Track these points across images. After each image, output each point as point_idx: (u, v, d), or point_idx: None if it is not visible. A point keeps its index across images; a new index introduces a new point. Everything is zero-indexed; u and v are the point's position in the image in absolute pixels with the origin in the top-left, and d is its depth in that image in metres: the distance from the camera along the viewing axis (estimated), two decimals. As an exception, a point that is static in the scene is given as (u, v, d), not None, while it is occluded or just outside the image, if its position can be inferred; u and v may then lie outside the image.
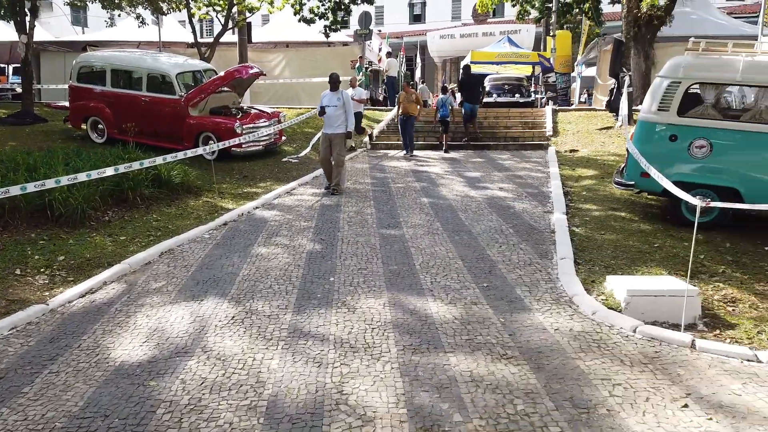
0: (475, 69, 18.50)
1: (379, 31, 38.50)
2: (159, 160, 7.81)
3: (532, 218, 7.76)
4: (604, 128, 14.27)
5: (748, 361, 3.97)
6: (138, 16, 18.69)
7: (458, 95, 16.40)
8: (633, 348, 4.14)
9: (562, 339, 4.28)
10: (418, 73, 35.33)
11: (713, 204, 4.58)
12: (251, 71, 12.40)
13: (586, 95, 22.48)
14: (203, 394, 3.58)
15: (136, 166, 7.37)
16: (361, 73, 17.95)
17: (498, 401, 3.43)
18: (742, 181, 6.77)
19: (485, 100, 18.38)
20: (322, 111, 9.45)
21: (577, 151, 12.74)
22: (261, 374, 3.81)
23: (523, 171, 11.21)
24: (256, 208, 8.56)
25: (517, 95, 19.06)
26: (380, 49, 23.46)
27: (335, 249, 6.55)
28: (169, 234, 7.14)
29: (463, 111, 14.25)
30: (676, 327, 4.48)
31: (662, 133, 7.12)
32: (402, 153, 13.33)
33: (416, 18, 41.97)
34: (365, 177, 10.84)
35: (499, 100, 18.82)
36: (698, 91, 7.06)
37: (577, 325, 4.53)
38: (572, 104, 20.15)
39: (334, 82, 9.49)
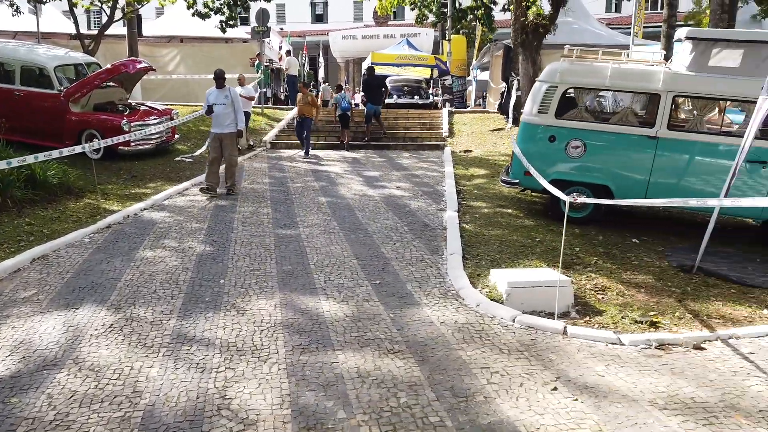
0: (378, 70, 18.75)
1: (281, 29, 37.97)
2: (30, 158, 7.20)
3: (426, 216, 7.97)
4: (496, 129, 14.97)
5: (612, 344, 4.32)
6: (12, 4, 17.12)
7: (358, 95, 16.54)
8: (511, 337, 4.37)
9: (447, 331, 4.43)
10: (321, 73, 35.18)
11: (581, 200, 4.93)
12: (139, 66, 11.77)
13: (481, 98, 23.47)
14: (71, 409, 3.35)
15: (2, 165, 6.75)
16: (260, 71, 17.60)
17: (382, 395, 3.49)
18: (613, 179, 7.36)
19: (387, 101, 18.67)
20: (210, 110, 9.09)
21: (471, 151, 13.26)
22: (138, 384, 3.62)
23: (420, 170, 11.49)
24: (144, 209, 8.13)
25: (416, 97, 19.51)
26: (281, 48, 23.14)
27: (227, 250, 6.37)
28: (43, 239, 6.60)
29: (365, 111, 14.39)
30: (551, 315, 4.79)
31: (542, 134, 7.58)
32: (302, 153, 13.21)
33: (318, 17, 41.82)
34: (263, 177, 10.64)
35: (399, 101, 19.17)
36: (573, 95, 7.59)
37: (462, 318, 4.71)
38: (468, 106, 20.95)
39: (219, 79, 9.13)
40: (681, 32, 7.18)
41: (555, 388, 3.59)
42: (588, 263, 6.22)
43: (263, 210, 8.19)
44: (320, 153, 13.48)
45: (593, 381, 3.69)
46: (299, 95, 13.22)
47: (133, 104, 12.12)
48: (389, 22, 34.99)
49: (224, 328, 4.45)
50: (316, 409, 3.36)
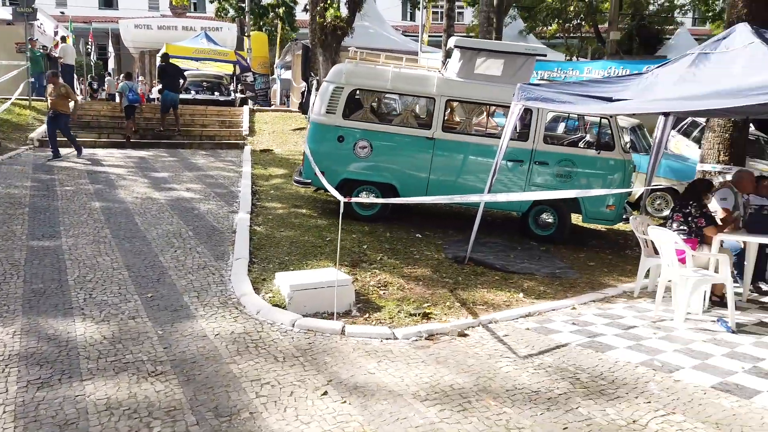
0: (175, 64, 17.43)
1: (62, 13, 33.64)
2: None
3: (216, 219, 7.54)
4: (298, 129, 14.91)
5: (387, 339, 4.42)
6: None
7: (155, 89, 15.24)
8: (289, 342, 4.24)
9: (221, 344, 4.15)
10: (111, 64, 31.95)
11: (355, 200, 5.00)
12: None
13: (286, 97, 23.31)
14: None
15: None
16: (27, 59, 15.25)
17: (132, 427, 3.10)
18: (398, 178, 7.68)
19: (183, 96, 17.54)
20: None
21: (272, 150, 13.01)
22: None
23: (215, 171, 10.91)
24: None
25: (216, 93, 18.63)
26: (56, 33, 20.40)
27: (-41, 271, 5.29)
28: None
29: (162, 100, 13.28)
30: (337, 316, 4.77)
31: (331, 134, 7.63)
32: (75, 152, 11.57)
33: (107, 3, 37.95)
34: (24, 180, 9.17)
35: (198, 97, 18.12)
36: (359, 96, 7.76)
37: (240, 327, 4.46)
38: (272, 105, 20.63)
39: None
40: (451, 41, 7.74)
41: (325, 393, 3.53)
42: (374, 260, 6.39)
43: (17, 219, 7.01)
44: (101, 152, 12.08)
45: (364, 380, 3.71)
46: (49, 87, 11.11)
47: None
48: (188, 14, 32.99)
49: (-63, 369, 3.62)
50: (45, 455, 2.85)
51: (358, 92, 7.72)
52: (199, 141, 13.80)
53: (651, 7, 22.41)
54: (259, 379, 3.67)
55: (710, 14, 22.42)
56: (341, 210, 4.71)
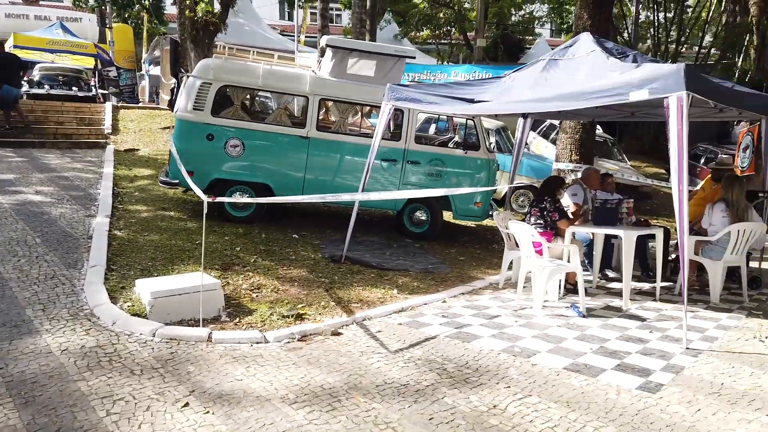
0: (26, 56, 15.77)
1: None
2: None
3: (69, 224, 6.87)
4: (167, 127, 14.08)
5: (257, 343, 4.28)
6: None
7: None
8: (149, 354, 3.95)
9: (68, 360, 3.76)
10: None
11: (219, 200, 4.78)
12: None
13: (155, 94, 22.00)
14: None
15: None
16: None
17: (-48, 462, 2.70)
18: (272, 178, 7.49)
19: (35, 91, 15.88)
20: None
21: (138, 150, 12.18)
22: None
23: (71, 172, 9.98)
24: None
25: (75, 88, 17.05)
26: None
27: None
28: None
29: (2, 96, 11.85)
30: (204, 322, 4.53)
31: (200, 132, 7.28)
32: None
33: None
34: None
35: (53, 92, 16.48)
36: (229, 93, 7.48)
37: (92, 340, 4.08)
38: (140, 102, 19.35)
39: None
40: (323, 40, 7.71)
41: (186, 404, 3.32)
42: (248, 262, 6.17)
43: None
44: (-70, 152, 10.59)
45: (230, 387, 3.55)
46: None
47: None
48: (41, 2, 30.00)
49: None
50: None
51: (226, 89, 7.43)
52: (54, 140, 12.55)
53: (514, 18, 24.05)
54: (112, 395, 3.37)
55: (564, 26, 24.57)
56: (205, 210, 4.47)
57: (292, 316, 4.80)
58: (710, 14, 22.00)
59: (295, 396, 3.47)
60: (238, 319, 4.72)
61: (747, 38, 15.68)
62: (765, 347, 4.63)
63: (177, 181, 7.42)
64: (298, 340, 4.39)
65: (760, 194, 6.97)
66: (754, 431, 3.22)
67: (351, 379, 3.75)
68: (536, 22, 24.76)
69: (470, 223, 9.40)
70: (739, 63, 17.04)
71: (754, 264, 6.94)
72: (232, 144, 7.31)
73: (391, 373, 3.85)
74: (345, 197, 5.93)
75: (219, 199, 4.75)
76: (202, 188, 7.31)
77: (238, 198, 5.83)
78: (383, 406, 3.38)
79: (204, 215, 4.43)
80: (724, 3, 20.05)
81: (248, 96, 7.82)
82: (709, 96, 4.55)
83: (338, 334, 4.58)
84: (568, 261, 5.73)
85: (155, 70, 21.23)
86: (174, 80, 14.47)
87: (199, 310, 4.59)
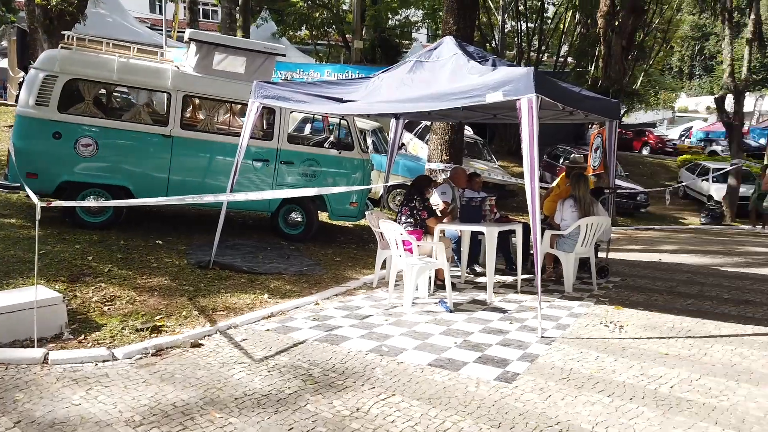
0: None
1: None
2: None
3: None
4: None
5: (105, 361, 3.89)
6: None
7: None
8: (-33, 383, 3.44)
9: None
10: None
11: (56, 203, 4.29)
12: None
13: (2, 88, 19.77)
14: None
15: None
16: None
17: None
18: (131, 179, 6.94)
19: None
20: None
21: (-24, 150, 10.79)
22: None
23: None
24: None
25: None
26: None
27: None
28: None
29: None
30: (40, 342, 4.03)
31: (44, 130, 6.56)
32: None
33: None
34: None
35: None
36: (80, 87, 6.82)
37: None
38: (-17, 97, 17.26)
39: None
40: (186, 34, 7.29)
41: (10, 438, 2.92)
42: (101, 272, 5.65)
43: None
44: None
45: (64, 414, 3.17)
46: None
47: None
48: None
49: None
50: None
51: (76, 82, 6.76)
52: None
53: (391, 22, 24.55)
54: None
55: (439, 31, 25.52)
56: (38, 216, 3.98)
57: (147, 329, 4.44)
58: (566, 25, 23.95)
59: (142, 418, 3.18)
60: (83, 336, 4.27)
61: (597, 48, 17.21)
62: (609, 332, 5.02)
63: (18, 184, 6.62)
64: (153, 355, 4.05)
65: (606, 190, 7.61)
66: (597, 412, 3.44)
67: (208, 393, 3.51)
68: (412, 26, 25.47)
69: (347, 224, 9.38)
70: (591, 71, 18.65)
71: (602, 254, 7.57)
72: (83, 143, 6.67)
73: (253, 384, 3.67)
74: (208, 198, 5.61)
75: (56, 203, 4.25)
76: (49, 192, 6.66)
77: (85, 202, 5.29)
78: (240, 420, 3.19)
79: (36, 222, 3.94)
80: (578, 15, 21.90)
81: (103, 91, 7.18)
82: (557, 99, 4.85)
83: (199, 345, 4.30)
84: (437, 258, 5.86)
85: (2, 63, 19.09)
86: (23, 73, 13.06)
87: (41, 327, 4.10)
